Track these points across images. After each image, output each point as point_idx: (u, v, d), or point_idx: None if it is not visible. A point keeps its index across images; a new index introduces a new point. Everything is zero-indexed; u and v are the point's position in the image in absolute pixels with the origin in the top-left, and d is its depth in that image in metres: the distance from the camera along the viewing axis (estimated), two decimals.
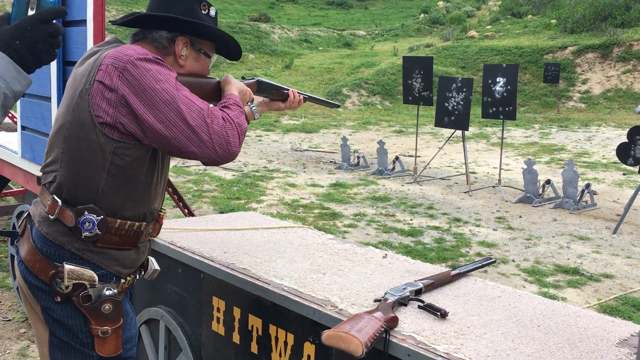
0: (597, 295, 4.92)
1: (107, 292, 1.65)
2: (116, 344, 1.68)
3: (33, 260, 1.64)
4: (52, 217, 1.63)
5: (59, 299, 1.62)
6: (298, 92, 2.10)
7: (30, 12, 1.31)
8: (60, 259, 1.62)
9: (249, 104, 1.89)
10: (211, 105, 1.69)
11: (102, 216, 1.63)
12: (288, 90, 2.06)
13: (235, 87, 1.82)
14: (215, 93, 1.81)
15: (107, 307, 1.64)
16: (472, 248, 6.09)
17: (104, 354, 1.66)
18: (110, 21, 1.84)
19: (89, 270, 1.62)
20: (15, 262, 1.74)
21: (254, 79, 1.98)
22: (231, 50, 1.87)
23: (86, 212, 1.62)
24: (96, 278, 1.63)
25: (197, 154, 1.60)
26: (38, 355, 1.76)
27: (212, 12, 1.80)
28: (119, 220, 1.66)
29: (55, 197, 1.64)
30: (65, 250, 1.63)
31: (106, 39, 1.77)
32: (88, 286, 1.62)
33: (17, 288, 4.06)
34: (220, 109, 1.68)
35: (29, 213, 1.76)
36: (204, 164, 1.65)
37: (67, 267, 1.60)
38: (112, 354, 1.67)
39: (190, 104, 1.59)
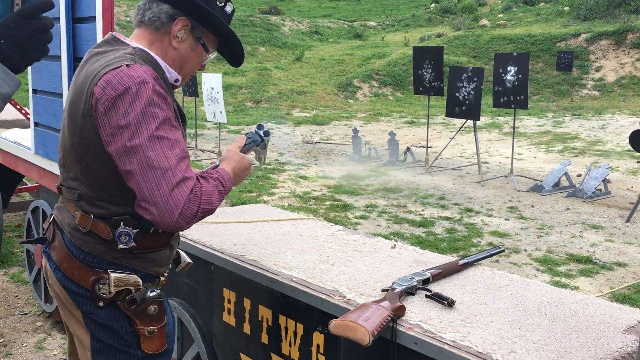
0: (609, 283, 4.90)
1: (152, 294, 1.64)
2: (162, 341, 1.68)
3: (71, 267, 1.62)
4: (84, 230, 1.61)
5: (101, 304, 1.61)
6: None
7: (17, 9, 1.24)
8: (100, 265, 1.61)
9: None
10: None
11: (137, 229, 1.60)
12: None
13: (232, 165, 1.72)
14: None
15: (152, 308, 1.63)
16: (483, 238, 6.09)
17: (150, 351, 1.66)
18: None
19: (134, 275, 1.62)
20: (47, 267, 1.71)
21: (263, 141, 1.88)
22: (234, 52, 1.79)
23: (122, 224, 1.59)
24: (141, 282, 1.62)
25: (147, 210, 1.50)
26: (79, 358, 1.75)
27: (228, 9, 1.72)
28: (153, 227, 1.63)
29: (86, 211, 1.61)
30: (103, 259, 1.61)
31: (104, 39, 1.69)
32: (133, 291, 1.61)
33: (33, 282, 4.13)
34: (199, 177, 1.58)
35: (54, 218, 1.73)
36: (152, 222, 1.53)
37: (113, 275, 1.59)
38: (157, 350, 1.68)
39: (161, 159, 1.48)
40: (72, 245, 1.63)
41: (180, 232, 2.49)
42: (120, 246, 1.60)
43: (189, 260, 1.95)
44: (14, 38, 1.23)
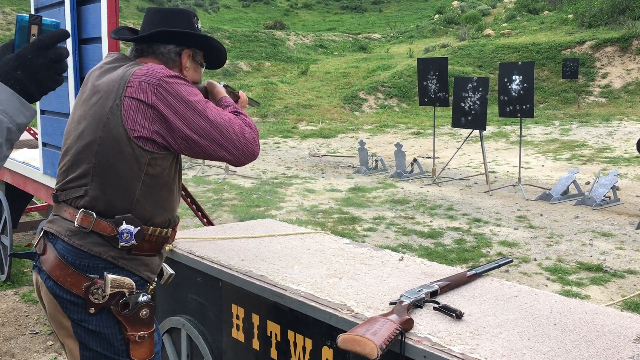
0: (621, 291, 4.86)
1: (143, 298, 1.72)
2: (150, 348, 1.75)
3: (64, 274, 1.67)
4: (86, 230, 1.68)
5: (93, 310, 1.66)
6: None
7: (33, 39, 1.27)
8: (94, 270, 1.68)
9: None
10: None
11: (139, 227, 1.71)
12: (238, 92, 2.21)
13: (223, 91, 2.03)
14: (204, 96, 1.98)
15: (144, 312, 1.72)
16: (492, 248, 6.06)
17: (139, 359, 1.72)
18: (128, 38, 1.93)
19: (128, 278, 1.70)
20: (39, 279, 1.74)
21: (221, 83, 2.15)
22: (219, 59, 2.04)
23: (124, 222, 1.69)
24: (134, 285, 1.70)
25: (227, 158, 1.77)
26: None
27: (199, 25, 1.99)
28: (151, 228, 1.75)
29: (88, 210, 1.69)
30: (101, 260, 1.68)
31: (115, 56, 1.87)
32: (127, 294, 1.68)
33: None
34: (236, 114, 1.85)
35: (45, 231, 1.78)
36: (231, 164, 1.81)
37: (110, 276, 1.66)
38: (146, 357, 1.74)
39: (220, 114, 1.76)
40: (68, 251, 1.69)
41: (188, 248, 2.51)
42: (122, 244, 1.69)
43: (171, 271, 2.03)
44: (30, 68, 1.25)
